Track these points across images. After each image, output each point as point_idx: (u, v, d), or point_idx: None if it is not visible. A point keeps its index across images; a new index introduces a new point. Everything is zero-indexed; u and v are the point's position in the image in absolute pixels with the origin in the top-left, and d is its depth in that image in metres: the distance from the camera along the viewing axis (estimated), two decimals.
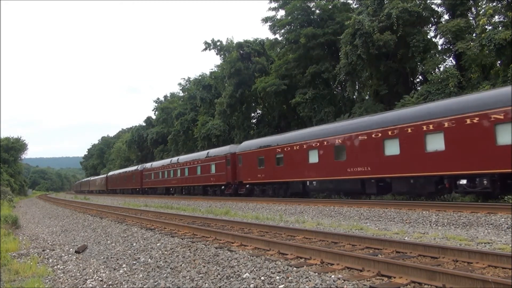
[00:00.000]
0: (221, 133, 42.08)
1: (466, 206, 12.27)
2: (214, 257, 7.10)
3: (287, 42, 34.45)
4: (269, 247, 7.64)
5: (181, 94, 63.70)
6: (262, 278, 5.59)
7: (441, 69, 24.77)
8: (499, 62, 22.31)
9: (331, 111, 30.04)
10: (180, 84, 64.48)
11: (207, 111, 47.48)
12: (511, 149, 11.95)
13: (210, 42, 45.85)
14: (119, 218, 15.97)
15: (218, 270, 6.37)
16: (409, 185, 15.37)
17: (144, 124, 72.02)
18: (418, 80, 28.86)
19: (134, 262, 8.09)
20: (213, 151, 30.54)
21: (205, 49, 46.06)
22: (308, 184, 20.24)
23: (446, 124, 13.83)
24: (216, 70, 48.29)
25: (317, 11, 33.19)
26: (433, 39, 26.36)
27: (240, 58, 38.16)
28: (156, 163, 43.19)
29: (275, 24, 34.65)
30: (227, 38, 48.70)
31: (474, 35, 22.24)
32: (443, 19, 26.11)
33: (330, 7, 33.07)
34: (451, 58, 25.96)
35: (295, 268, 5.80)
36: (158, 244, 9.07)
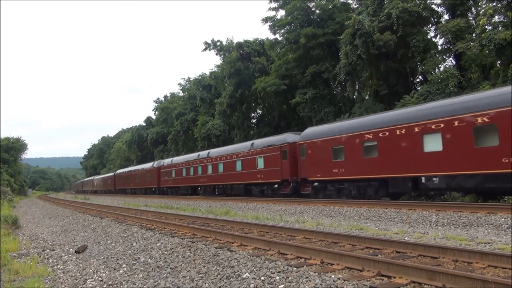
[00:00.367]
0: (221, 133, 42.10)
1: (466, 206, 12.27)
2: (214, 257, 7.10)
3: (287, 42, 34.47)
4: (269, 247, 7.64)
5: (181, 94, 63.78)
6: (262, 278, 5.59)
7: (441, 69, 24.79)
8: (499, 62, 22.31)
9: (331, 111, 30.06)
10: (180, 84, 64.62)
11: (207, 111, 47.49)
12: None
13: (210, 42, 45.87)
14: (119, 218, 15.97)
15: (218, 270, 6.37)
16: None
17: (144, 124, 72.07)
18: (418, 80, 28.88)
19: (134, 262, 8.09)
20: (260, 142, 25.46)
21: (205, 49, 46.08)
22: (424, 181, 15.04)
23: None
24: (216, 70, 48.32)
25: (317, 11, 33.22)
26: (433, 39, 26.40)
27: (240, 58, 38.17)
28: (178, 159, 37.94)
29: (275, 24, 34.67)
30: (227, 38, 48.71)
31: (474, 35, 22.25)
32: (443, 19, 26.12)
33: (330, 7, 33.09)
34: (451, 58, 25.99)
35: (295, 268, 5.80)
36: (158, 244, 9.06)
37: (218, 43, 46.00)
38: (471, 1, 24.16)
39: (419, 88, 25.88)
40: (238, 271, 6.09)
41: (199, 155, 33.06)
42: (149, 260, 7.95)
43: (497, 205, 11.74)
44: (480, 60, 22.22)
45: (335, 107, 31.29)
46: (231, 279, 5.85)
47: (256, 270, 5.96)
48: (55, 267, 8.74)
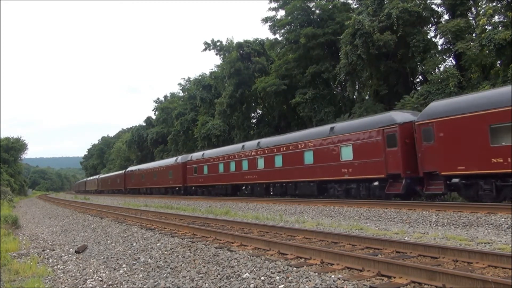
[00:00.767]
0: (221, 133, 42.11)
1: (466, 206, 12.27)
2: (214, 257, 7.09)
3: (287, 42, 34.49)
4: (269, 247, 7.64)
5: (181, 94, 63.82)
6: (262, 278, 5.59)
7: (441, 69, 24.80)
8: (499, 62, 22.33)
9: (331, 111, 30.07)
10: (180, 84, 64.68)
11: (207, 111, 47.51)
12: None
13: (210, 42, 45.95)
14: (119, 218, 15.97)
15: (218, 270, 6.37)
16: None
17: (144, 124, 72.11)
18: (418, 80, 28.88)
19: (134, 262, 8.09)
20: (346, 125, 19.32)
21: (205, 49, 46.15)
22: None
23: None
24: (216, 70, 48.35)
25: (317, 11, 33.24)
26: (433, 39, 26.43)
27: (240, 58, 38.19)
28: (212, 152, 31.65)
29: (275, 24, 34.70)
30: (227, 38, 48.74)
31: (474, 35, 22.27)
32: (443, 19, 26.14)
33: (330, 7, 33.13)
34: (451, 58, 26.01)
35: (295, 268, 5.80)
36: (158, 244, 9.06)
37: (218, 43, 46.05)
38: (471, 1, 24.17)
39: (419, 88, 25.88)
40: (238, 271, 6.09)
41: (243, 146, 26.91)
42: (149, 260, 7.95)
43: (497, 205, 11.74)
44: (480, 60, 22.23)
45: (335, 107, 31.30)
46: (231, 279, 5.85)
47: (256, 270, 5.96)
48: (55, 267, 8.73)
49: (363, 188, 17.80)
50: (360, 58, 24.79)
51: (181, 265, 7.11)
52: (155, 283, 6.50)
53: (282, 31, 34.81)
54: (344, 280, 5.17)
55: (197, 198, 28.29)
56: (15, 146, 72.81)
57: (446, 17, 26.20)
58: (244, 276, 5.82)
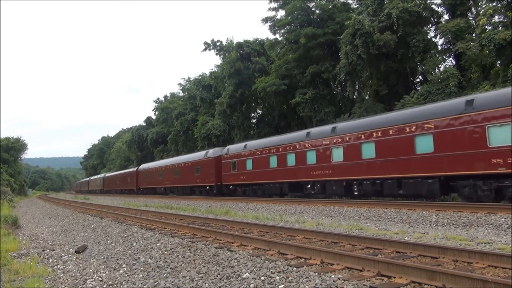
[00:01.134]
0: (221, 133, 42.11)
1: (466, 206, 12.27)
2: (214, 257, 7.10)
3: (287, 42, 34.49)
4: (269, 247, 7.64)
5: (181, 94, 63.83)
6: (262, 278, 5.59)
7: (441, 69, 24.80)
8: (499, 62, 22.33)
9: (331, 111, 30.07)
10: (180, 84, 64.69)
11: (207, 111, 47.51)
12: None
13: (210, 42, 45.96)
14: (119, 218, 15.97)
15: (218, 270, 6.37)
16: None
17: (144, 124, 72.12)
18: (418, 80, 28.89)
19: (134, 262, 8.09)
20: (494, 94, 13.64)
21: (205, 49, 46.16)
22: None
23: None
24: (216, 70, 48.36)
25: (317, 11, 33.23)
26: (433, 39, 26.42)
27: (240, 58, 38.19)
28: (257, 143, 25.69)
29: (275, 24, 34.70)
30: (227, 38, 48.76)
31: (474, 35, 22.27)
32: (443, 19, 26.14)
33: (330, 7, 33.11)
34: (451, 58, 26.01)
35: (295, 268, 5.80)
36: (158, 244, 9.06)
37: (218, 43, 46.06)
38: (471, 1, 24.17)
39: (419, 88, 25.89)
40: (238, 271, 6.10)
41: (309, 133, 20.99)
42: (149, 260, 7.95)
43: (497, 205, 11.74)
44: (480, 60, 22.23)
45: (335, 107, 31.30)
46: (231, 279, 5.85)
47: (256, 270, 5.96)
48: (55, 267, 8.74)
49: None
50: (360, 58, 24.79)
51: (181, 265, 7.11)
52: (155, 283, 6.50)
53: (282, 31, 34.80)
54: (344, 280, 5.18)
55: (197, 198, 28.07)
56: (15, 146, 72.84)
57: (446, 17, 26.22)
58: (244, 276, 5.82)
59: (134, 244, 9.72)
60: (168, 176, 37.98)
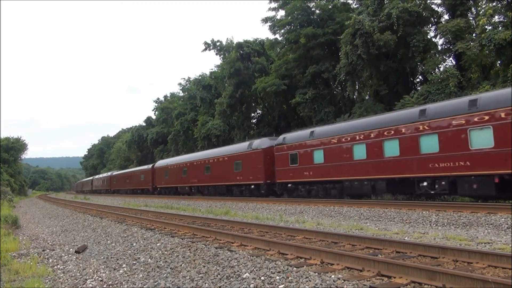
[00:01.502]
0: (221, 133, 42.12)
1: (466, 206, 12.27)
2: (214, 257, 7.10)
3: (287, 42, 34.47)
4: (269, 247, 7.64)
5: (181, 94, 63.86)
6: (262, 278, 5.59)
7: (441, 69, 24.80)
8: (499, 62, 22.33)
9: (331, 111, 30.06)
10: (180, 84, 64.75)
11: (207, 111, 47.52)
12: None
13: (210, 42, 46.00)
14: (119, 218, 15.97)
15: (218, 270, 6.37)
16: None
17: (144, 124, 72.15)
18: (418, 80, 28.88)
19: (134, 262, 8.09)
20: None
21: (205, 49, 46.19)
22: None
23: None
24: (216, 70, 48.38)
25: (317, 11, 33.22)
26: (433, 39, 26.40)
27: (240, 58, 38.20)
28: (331, 128, 20.17)
29: (275, 24, 34.69)
30: (227, 38, 48.81)
31: (474, 35, 22.27)
32: (443, 19, 26.13)
33: (330, 7, 33.11)
34: (451, 58, 26.01)
35: (295, 268, 5.80)
36: (158, 244, 9.06)
37: (218, 43, 46.09)
38: (471, 1, 24.17)
39: (419, 88, 25.89)
40: (238, 271, 6.10)
41: (426, 110, 15.28)
42: (149, 260, 7.95)
43: (497, 205, 11.74)
44: (480, 60, 22.23)
45: (335, 107, 31.30)
46: (231, 279, 5.85)
47: (256, 270, 5.96)
48: (55, 267, 8.74)
49: None
50: (360, 58, 24.78)
51: (181, 265, 7.11)
52: (155, 283, 6.50)
53: (282, 31, 34.79)
54: (344, 280, 5.18)
55: (197, 198, 28.03)
56: (15, 146, 72.84)
57: (446, 17, 26.20)
58: (244, 276, 5.82)
59: (134, 244, 9.72)
60: (195, 173, 32.33)
